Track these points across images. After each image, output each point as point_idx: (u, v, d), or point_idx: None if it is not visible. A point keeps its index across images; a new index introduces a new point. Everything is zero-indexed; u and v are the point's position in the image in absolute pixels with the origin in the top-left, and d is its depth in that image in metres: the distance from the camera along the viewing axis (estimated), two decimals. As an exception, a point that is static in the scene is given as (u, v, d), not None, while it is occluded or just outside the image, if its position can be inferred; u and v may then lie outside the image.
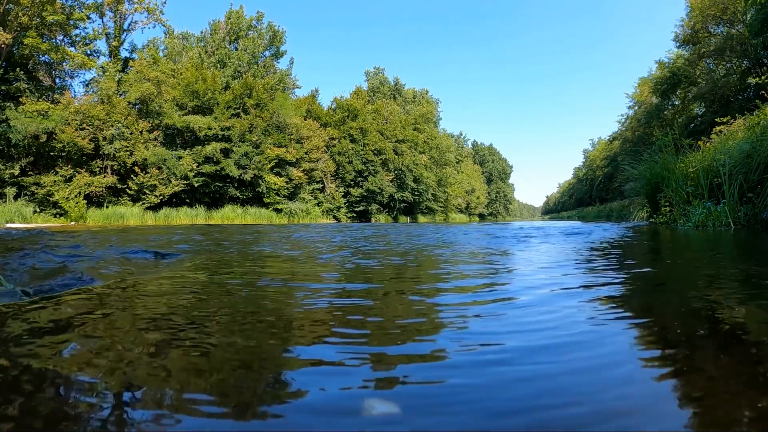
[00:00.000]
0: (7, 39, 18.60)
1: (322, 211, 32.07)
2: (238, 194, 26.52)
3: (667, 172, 7.97)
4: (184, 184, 23.38)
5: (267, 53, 34.63)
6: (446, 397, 0.64)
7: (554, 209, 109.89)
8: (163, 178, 22.53)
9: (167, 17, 29.03)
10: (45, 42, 20.77)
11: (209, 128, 25.06)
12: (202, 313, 1.22)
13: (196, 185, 24.24)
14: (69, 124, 20.04)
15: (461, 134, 78.00)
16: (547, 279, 1.80)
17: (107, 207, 21.01)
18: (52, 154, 19.92)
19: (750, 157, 6.17)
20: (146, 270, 2.22)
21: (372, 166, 37.93)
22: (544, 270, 2.11)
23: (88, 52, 23.98)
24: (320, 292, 1.63)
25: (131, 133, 21.92)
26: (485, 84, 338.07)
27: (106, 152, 21.16)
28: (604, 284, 1.67)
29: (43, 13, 19.70)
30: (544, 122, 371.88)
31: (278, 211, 27.35)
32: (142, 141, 22.27)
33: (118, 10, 24.74)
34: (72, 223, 18.47)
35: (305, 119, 32.67)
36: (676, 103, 30.22)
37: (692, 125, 27.09)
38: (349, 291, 1.64)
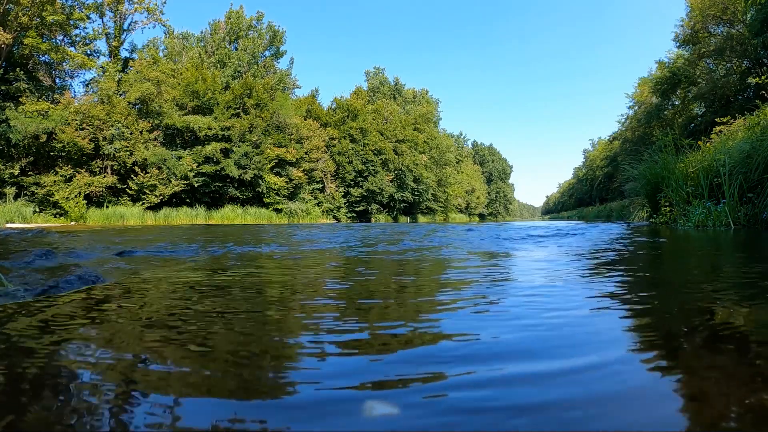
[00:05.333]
0: (7, 39, 18.61)
1: (322, 211, 32.09)
2: (238, 194, 26.54)
3: (667, 172, 7.97)
4: (184, 184, 23.40)
5: (267, 53, 34.66)
6: (446, 399, 0.65)
7: (554, 209, 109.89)
8: (163, 178, 22.54)
9: (167, 17, 29.11)
10: (45, 42, 20.79)
11: (209, 128, 25.08)
12: (202, 313, 1.22)
13: (196, 185, 24.25)
14: (69, 124, 20.05)
15: (461, 134, 78.12)
16: (545, 279, 1.80)
17: (107, 207, 21.02)
18: (52, 154, 19.94)
19: (750, 157, 6.17)
20: (147, 270, 2.22)
21: (372, 166, 37.94)
22: (543, 270, 2.11)
23: (88, 52, 24.00)
24: (320, 290, 1.63)
25: (131, 133, 21.94)
26: (485, 84, 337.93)
27: (106, 152, 21.17)
28: (602, 283, 1.67)
29: (43, 13, 19.71)
30: (544, 122, 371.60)
31: (278, 211, 27.37)
32: (142, 141, 22.28)
33: (118, 10, 24.76)
34: (72, 223, 18.48)
35: (305, 119, 32.70)
36: (676, 103, 30.22)
37: (692, 125, 27.07)
38: (349, 289, 1.64)
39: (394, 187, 40.80)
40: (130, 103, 23.04)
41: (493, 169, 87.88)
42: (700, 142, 8.41)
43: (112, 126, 21.26)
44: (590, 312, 1.18)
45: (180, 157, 23.69)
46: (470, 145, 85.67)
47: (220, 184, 25.71)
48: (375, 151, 38.48)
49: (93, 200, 21.06)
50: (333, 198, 34.19)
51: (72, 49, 22.88)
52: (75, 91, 24.76)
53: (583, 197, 67.26)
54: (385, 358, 0.83)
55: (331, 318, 1.18)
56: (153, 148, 22.68)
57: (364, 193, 37.38)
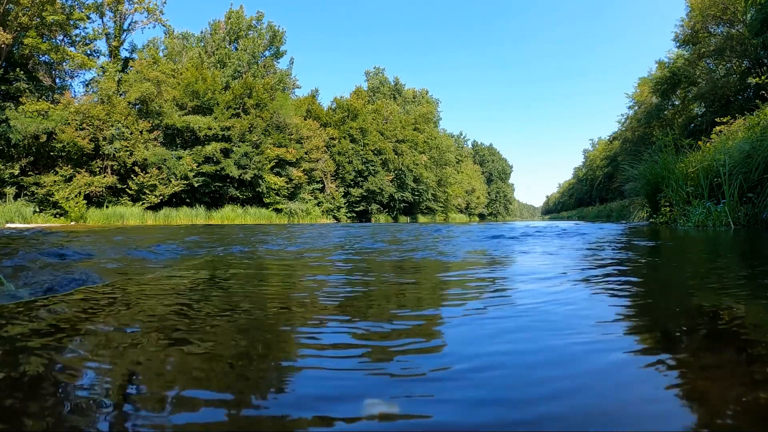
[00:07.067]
0: (7, 39, 18.60)
1: (322, 211, 32.09)
2: (238, 194, 26.54)
3: (667, 172, 7.97)
4: (184, 184, 23.39)
5: (267, 53, 34.66)
6: (446, 398, 0.64)
7: (554, 209, 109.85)
8: (163, 178, 22.54)
9: (167, 17, 29.11)
10: (45, 42, 20.78)
11: (209, 128, 25.07)
12: (201, 313, 1.22)
13: (196, 185, 24.25)
14: (69, 124, 20.04)
15: (461, 134, 78.12)
16: (545, 278, 1.80)
17: (107, 207, 21.02)
18: (52, 154, 19.93)
19: (750, 157, 6.17)
20: (146, 270, 2.22)
21: (372, 166, 37.94)
22: (542, 270, 2.11)
23: (88, 52, 23.99)
24: (320, 290, 1.63)
25: (131, 133, 21.93)
26: (485, 84, 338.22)
27: (106, 152, 21.16)
28: (602, 283, 1.67)
29: (43, 13, 19.70)
30: (544, 122, 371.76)
31: (278, 211, 27.36)
32: (142, 141, 22.27)
33: (118, 10, 24.75)
34: (72, 223, 18.48)
35: (305, 119, 32.70)
36: (676, 103, 30.20)
37: (692, 125, 27.06)
38: (349, 289, 1.63)
39: (394, 187, 40.80)
40: (130, 103, 23.03)
41: (493, 169, 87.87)
42: (700, 142, 8.40)
43: (112, 126, 21.26)
44: (590, 309, 1.18)
45: (180, 157, 23.68)
46: (470, 145, 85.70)
47: (220, 184, 25.71)
48: (375, 151, 38.48)
49: (93, 200, 21.05)
50: (333, 198, 34.18)
51: (72, 49, 22.87)
52: (75, 91, 24.78)
53: (583, 197, 67.22)
54: (386, 358, 0.83)
55: (332, 319, 1.18)
56: (153, 148, 22.68)
57: (364, 193, 37.37)
